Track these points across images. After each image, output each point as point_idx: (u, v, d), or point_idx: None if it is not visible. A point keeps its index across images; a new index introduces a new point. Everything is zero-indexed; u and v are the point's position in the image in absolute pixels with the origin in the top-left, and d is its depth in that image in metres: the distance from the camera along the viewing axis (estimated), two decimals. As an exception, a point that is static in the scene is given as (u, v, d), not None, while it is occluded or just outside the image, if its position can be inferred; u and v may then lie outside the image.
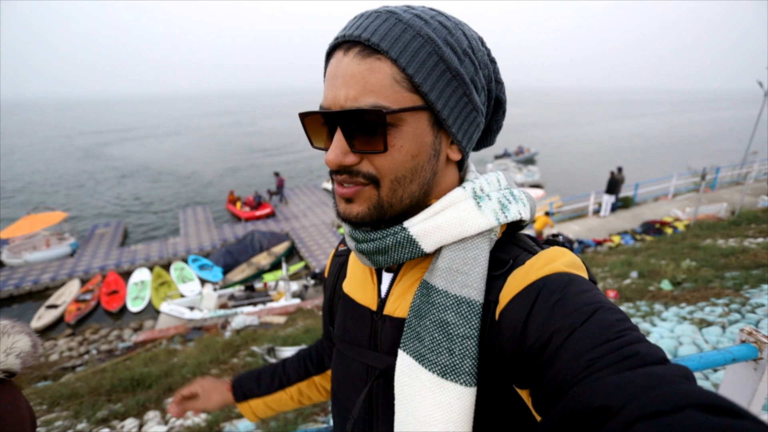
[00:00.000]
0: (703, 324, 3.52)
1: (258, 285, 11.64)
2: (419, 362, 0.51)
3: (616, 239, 10.77)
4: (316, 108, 0.57)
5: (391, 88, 0.50)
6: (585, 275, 0.50)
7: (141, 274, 12.76)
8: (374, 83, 0.49)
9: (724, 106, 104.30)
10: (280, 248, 14.60)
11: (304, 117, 0.57)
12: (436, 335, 0.50)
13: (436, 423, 0.48)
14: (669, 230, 10.52)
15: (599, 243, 10.62)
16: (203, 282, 12.55)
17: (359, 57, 0.50)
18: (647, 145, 38.75)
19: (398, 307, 0.60)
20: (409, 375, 0.51)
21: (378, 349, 0.62)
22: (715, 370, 2.54)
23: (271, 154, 37.14)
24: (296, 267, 13.50)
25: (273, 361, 4.84)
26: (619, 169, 13.40)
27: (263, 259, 13.83)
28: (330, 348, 0.84)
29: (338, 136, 0.52)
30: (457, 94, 0.53)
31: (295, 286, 11.08)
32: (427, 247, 0.55)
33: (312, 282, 11.43)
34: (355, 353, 0.65)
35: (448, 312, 0.50)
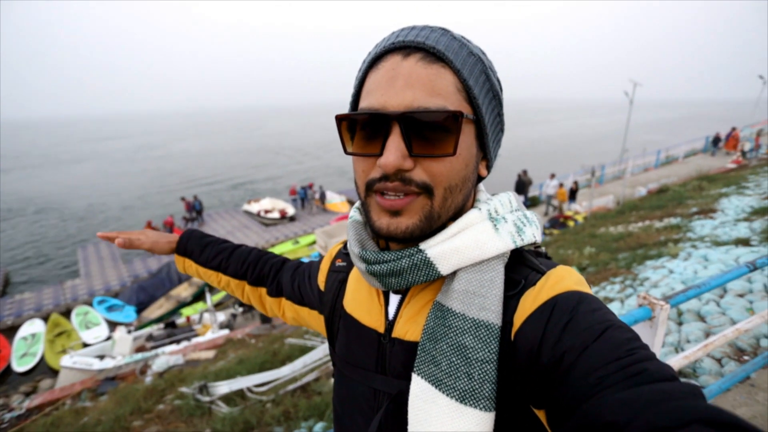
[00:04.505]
0: (606, 301, 4.04)
1: (179, 320, 10.64)
2: (436, 387, 0.49)
3: (529, 235, 11.82)
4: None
5: (454, 96, 0.50)
6: (591, 292, 0.51)
7: (31, 327, 10.89)
8: (441, 87, 0.50)
9: (600, 113, 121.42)
10: (203, 277, 13.56)
11: (345, 119, 0.54)
12: (454, 359, 0.49)
13: None
14: (571, 223, 11.85)
15: (515, 240, 11.59)
16: (114, 325, 11.11)
17: (424, 62, 0.50)
18: (547, 148, 43.50)
19: (409, 329, 0.58)
20: (425, 400, 0.49)
21: (386, 372, 0.59)
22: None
23: (189, 178, 34.43)
24: (220, 295, 12.62)
25: (207, 400, 4.46)
26: (525, 172, 14.83)
27: (184, 291, 12.70)
28: (274, 273, 0.90)
29: (396, 139, 0.49)
30: (494, 112, 0.56)
31: (222, 316, 10.33)
32: (444, 269, 0.53)
33: (240, 310, 10.76)
34: (360, 376, 0.63)
35: (466, 336, 0.49)
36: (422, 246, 0.54)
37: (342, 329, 0.69)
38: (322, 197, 20.69)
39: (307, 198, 20.65)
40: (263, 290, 0.90)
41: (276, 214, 19.05)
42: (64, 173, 40.18)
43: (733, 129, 17.97)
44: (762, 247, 4.43)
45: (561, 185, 14.40)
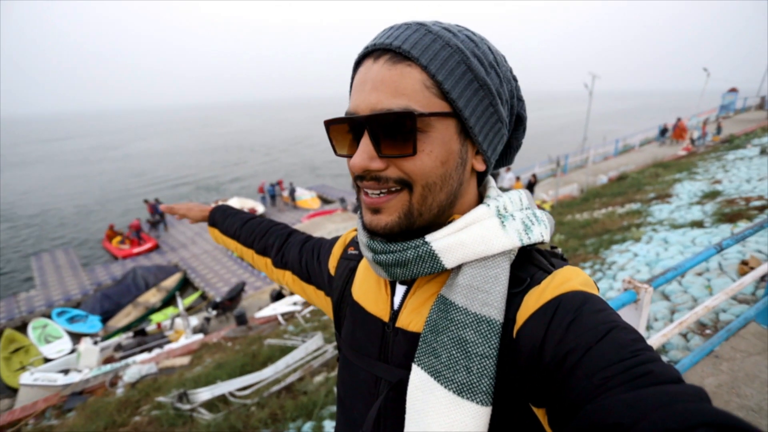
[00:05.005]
0: (578, 285, 4.23)
1: (150, 328, 10.23)
2: (435, 378, 0.50)
3: (500, 225, 12.15)
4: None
5: (421, 93, 0.50)
6: (597, 293, 0.51)
7: (-18, 344, 10.15)
8: (405, 87, 0.50)
9: (561, 105, 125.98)
10: (171, 281, 13.04)
11: (330, 124, 0.57)
12: (454, 352, 0.49)
13: None
14: (539, 212, 12.26)
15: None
16: (78, 337, 10.52)
17: (389, 63, 0.50)
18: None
19: (412, 320, 0.59)
20: (423, 390, 0.50)
21: (389, 361, 0.61)
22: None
23: (152, 180, 32.89)
24: (191, 299, 12.22)
25: (187, 408, 4.33)
26: (493, 164, 15.15)
27: (152, 297, 12.20)
28: (279, 244, 0.96)
29: (365, 141, 0.52)
30: (483, 104, 0.53)
31: (195, 320, 10.02)
32: (449, 263, 0.54)
33: (214, 313, 10.47)
34: (363, 363, 0.64)
35: (468, 330, 0.50)
36: (428, 238, 0.55)
37: (348, 316, 0.71)
38: (292, 194, 20.36)
39: (275, 195, 20.26)
40: (268, 260, 0.97)
41: (246, 214, 18.61)
42: (11, 177, 37.42)
43: (678, 119, 19.16)
44: (714, 228, 4.78)
45: (518, 178, 14.79)
